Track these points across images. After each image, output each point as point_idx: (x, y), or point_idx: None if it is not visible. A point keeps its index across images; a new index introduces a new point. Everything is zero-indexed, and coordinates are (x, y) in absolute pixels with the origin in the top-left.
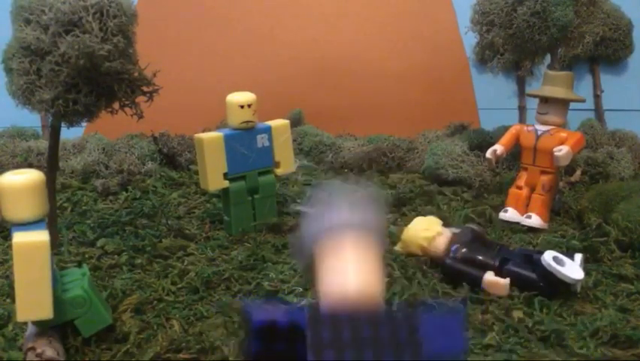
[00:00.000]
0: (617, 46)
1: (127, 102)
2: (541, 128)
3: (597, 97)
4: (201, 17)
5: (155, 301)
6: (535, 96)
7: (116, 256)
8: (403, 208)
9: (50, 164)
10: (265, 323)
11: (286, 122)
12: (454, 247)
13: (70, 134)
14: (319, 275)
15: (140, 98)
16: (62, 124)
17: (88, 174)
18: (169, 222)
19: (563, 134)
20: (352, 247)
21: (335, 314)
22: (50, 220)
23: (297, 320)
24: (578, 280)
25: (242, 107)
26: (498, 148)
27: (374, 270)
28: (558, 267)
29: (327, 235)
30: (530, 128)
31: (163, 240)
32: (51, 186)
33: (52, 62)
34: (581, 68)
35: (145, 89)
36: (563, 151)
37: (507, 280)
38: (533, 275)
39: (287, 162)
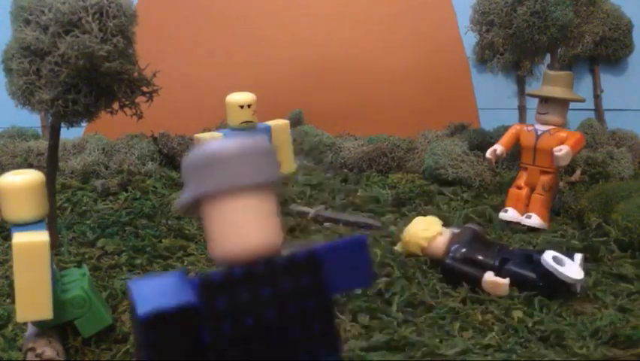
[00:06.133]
0: (616, 46)
1: (127, 102)
2: (541, 128)
3: (597, 97)
4: (201, 17)
5: None
6: (534, 96)
7: (116, 257)
8: (402, 208)
9: (50, 164)
10: (153, 314)
11: (286, 122)
12: (453, 247)
13: (70, 134)
14: (211, 236)
15: (140, 99)
16: (62, 124)
17: (88, 174)
18: (169, 222)
19: (563, 134)
20: (244, 201)
21: (229, 276)
22: (50, 220)
23: (189, 300)
24: (577, 280)
25: (242, 107)
26: (498, 148)
27: (270, 220)
28: (558, 267)
29: (216, 190)
30: (530, 128)
31: (163, 240)
32: (51, 187)
33: (52, 63)
34: (581, 68)
35: (145, 89)
36: (562, 151)
37: (507, 280)
38: (533, 275)
39: (287, 162)
